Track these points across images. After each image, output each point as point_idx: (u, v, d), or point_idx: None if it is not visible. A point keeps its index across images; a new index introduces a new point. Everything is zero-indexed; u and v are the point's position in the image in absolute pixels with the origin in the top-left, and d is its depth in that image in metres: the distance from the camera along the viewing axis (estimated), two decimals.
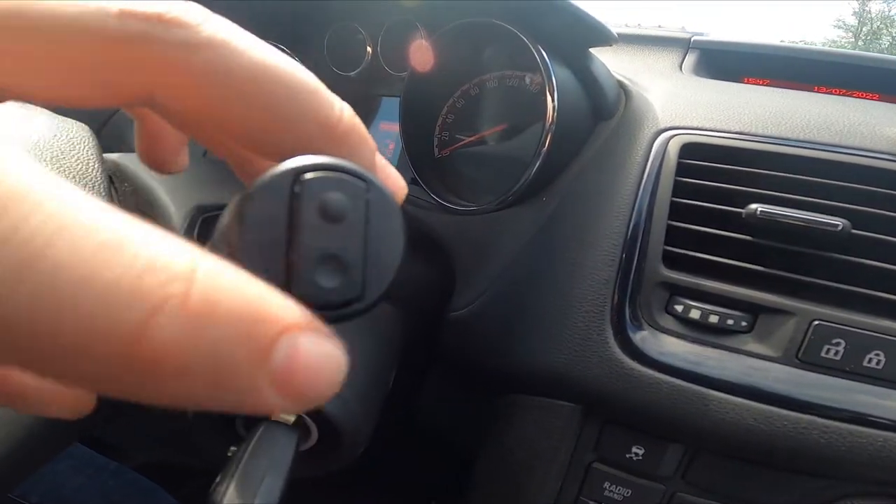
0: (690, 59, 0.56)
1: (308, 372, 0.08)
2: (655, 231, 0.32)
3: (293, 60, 0.12)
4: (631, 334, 0.30)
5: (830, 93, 0.54)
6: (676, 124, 0.36)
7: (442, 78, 0.46)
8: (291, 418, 0.26)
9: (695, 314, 0.30)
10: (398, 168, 0.53)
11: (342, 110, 0.12)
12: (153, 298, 0.07)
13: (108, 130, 0.82)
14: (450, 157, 0.49)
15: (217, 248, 0.14)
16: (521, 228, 0.39)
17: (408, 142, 0.46)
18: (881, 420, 0.26)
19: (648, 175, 0.34)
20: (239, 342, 0.07)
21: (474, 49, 0.45)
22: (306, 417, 0.26)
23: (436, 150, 0.49)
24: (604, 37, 0.39)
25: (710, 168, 0.33)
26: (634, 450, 0.32)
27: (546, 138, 0.38)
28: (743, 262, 0.29)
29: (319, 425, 0.27)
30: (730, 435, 0.28)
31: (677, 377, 0.29)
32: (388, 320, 0.36)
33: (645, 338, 0.30)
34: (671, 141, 0.35)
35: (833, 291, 0.28)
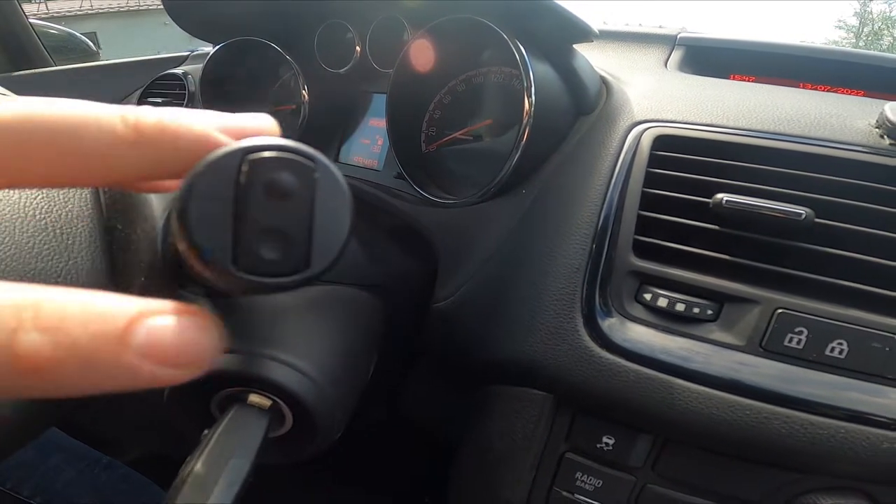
0: (676, 55, 0.57)
1: (175, 340, 0.11)
2: (626, 221, 0.32)
3: (50, 104, 0.12)
4: (600, 322, 0.31)
5: (816, 89, 0.54)
6: (652, 117, 0.37)
7: (429, 75, 0.46)
8: (267, 403, 0.26)
9: (662, 302, 0.30)
10: (386, 163, 0.53)
11: (129, 119, 0.12)
12: (11, 322, 0.10)
13: None
14: (437, 151, 0.49)
15: (168, 225, 0.14)
16: (502, 221, 0.39)
17: (395, 138, 0.47)
18: (843, 411, 0.26)
19: (621, 166, 0.34)
20: (93, 338, 0.10)
21: (461, 46, 0.45)
22: (281, 402, 0.27)
23: (423, 145, 0.50)
24: (585, 33, 0.39)
25: (680, 159, 0.33)
26: (605, 439, 0.32)
27: (524, 132, 0.38)
28: (710, 251, 0.30)
29: (294, 410, 0.27)
30: (695, 424, 0.28)
31: (643, 365, 0.29)
32: (367, 309, 0.37)
33: (613, 325, 0.31)
34: (644, 133, 0.35)
35: (797, 280, 0.28)
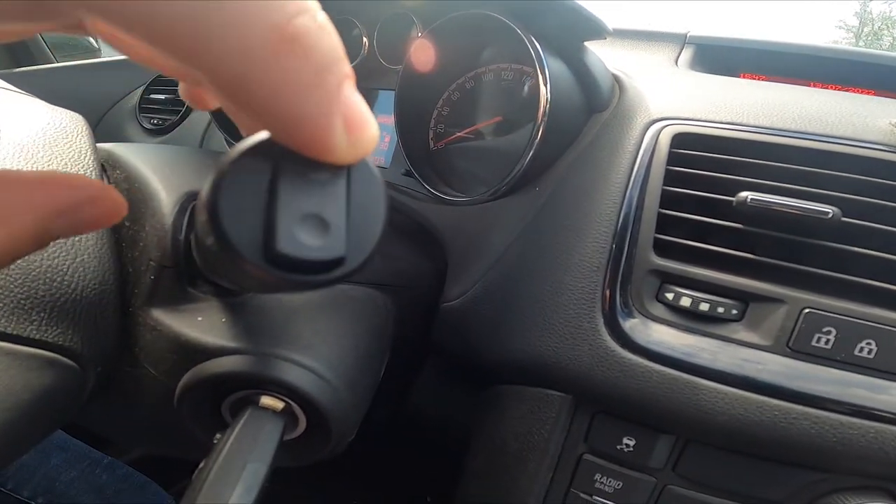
0: (687, 54, 0.56)
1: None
2: (646, 219, 0.31)
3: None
4: (621, 322, 0.30)
5: (827, 88, 0.54)
6: (668, 115, 0.36)
7: (437, 71, 0.46)
8: (280, 405, 0.25)
9: (685, 302, 0.29)
10: (394, 160, 0.53)
11: (296, 14, 0.10)
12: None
13: (103, 127, 0.82)
14: (445, 149, 0.49)
15: (197, 216, 0.13)
16: (514, 219, 0.39)
17: (403, 134, 0.46)
18: (872, 411, 0.26)
19: (640, 164, 0.34)
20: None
21: (470, 42, 0.45)
22: (294, 405, 0.26)
23: (431, 142, 0.50)
24: (598, 30, 0.39)
25: (701, 157, 0.33)
26: (625, 441, 0.31)
27: (539, 130, 0.38)
28: (733, 249, 0.29)
29: (307, 412, 0.26)
30: (720, 425, 0.28)
31: (667, 365, 0.29)
32: (378, 308, 0.36)
33: (635, 326, 0.30)
34: (663, 131, 0.35)
35: (824, 279, 0.27)
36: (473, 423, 0.41)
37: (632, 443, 0.31)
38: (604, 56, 0.45)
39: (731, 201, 0.30)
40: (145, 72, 0.87)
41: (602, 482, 0.32)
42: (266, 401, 0.25)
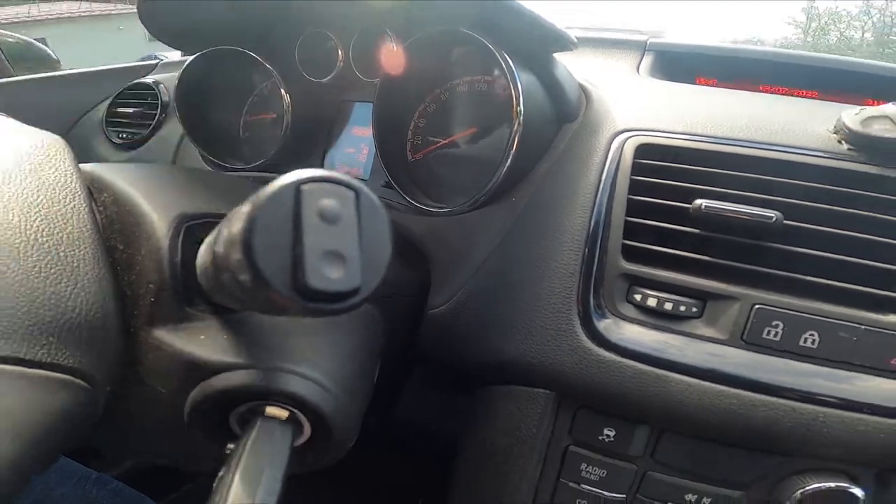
0: (647, 61, 0.60)
1: None
2: (615, 226, 0.34)
3: None
4: (596, 323, 0.33)
5: (775, 91, 0.58)
6: (632, 126, 0.39)
7: (413, 83, 0.47)
8: (285, 413, 0.27)
9: (652, 302, 0.32)
10: (373, 172, 0.54)
11: None
12: None
13: (70, 142, 0.80)
14: (423, 160, 0.50)
15: (224, 252, 0.15)
16: (493, 228, 0.41)
17: (381, 146, 0.47)
18: (818, 397, 0.29)
19: (607, 174, 0.36)
20: None
21: (444, 55, 0.47)
22: (298, 413, 0.27)
23: (409, 153, 0.51)
24: (565, 42, 0.41)
25: (661, 167, 0.35)
26: (606, 432, 0.34)
27: (514, 140, 0.40)
28: (692, 252, 0.32)
29: (312, 420, 0.28)
30: (687, 414, 0.31)
31: (639, 361, 0.31)
32: (368, 320, 0.38)
33: (608, 325, 0.33)
34: (627, 142, 0.37)
35: (771, 277, 0.31)
36: (462, 425, 0.43)
37: (612, 433, 0.34)
38: (570, 64, 0.48)
39: (689, 208, 0.33)
40: (110, 85, 0.85)
41: (588, 471, 0.35)
42: (272, 410, 0.26)
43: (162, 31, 0.53)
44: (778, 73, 0.58)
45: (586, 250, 0.34)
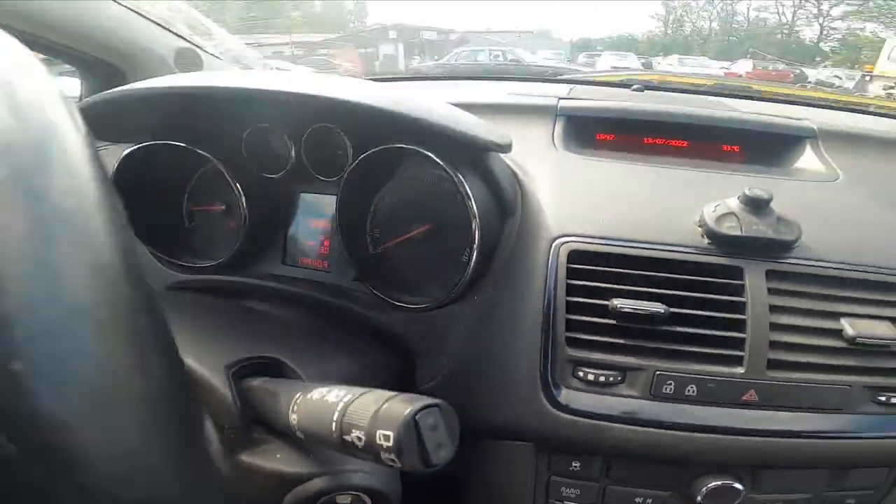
0: (559, 128, 0.69)
1: None
2: (559, 323, 0.48)
3: None
4: (554, 393, 0.47)
5: (656, 143, 0.72)
6: (565, 231, 0.51)
7: (367, 181, 0.52)
8: (349, 499, 0.41)
9: (591, 377, 0.47)
10: (339, 266, 0.65)
11: None
12: None
13: None
14: (385, 252, 0.55)
15: (369, 445, 0.28)
16: (462, 323, 0.50)
17: (347, 240, 0.51)
18: (700, 426, 0.44)
19: (549, 280, 0.50)
20: None
21: (393, 156, 0.50)
22: (362, 495, 0.41)
23: (370, 247, 0.55)
24: (501, 148, 0.47)
25: (587, 270, 0.50)
26: (574, 464, 0.49)
27: (474, 251, 0.48)
28: (613, 339, 0.47)
29: (373, 497, 0.42)
30: (623, 447, 0.46)
31: (586, 417, 0.46)
32: None
33: (564, 394, 0.47)
34: (561, 248, 0.51)
35: (664, 352, 0.46)
36: (464, 470, 0.56)
37: (578, 465, 0.49)
38: None
39: (608, 305, 0.47)
40: None
41: (567, 493, 0.50)
42: (340, 499, 0.41)
43: (107, 132, 0.52)
44: (656, 128, 0.72)
45: (542, 340, 0.49)
